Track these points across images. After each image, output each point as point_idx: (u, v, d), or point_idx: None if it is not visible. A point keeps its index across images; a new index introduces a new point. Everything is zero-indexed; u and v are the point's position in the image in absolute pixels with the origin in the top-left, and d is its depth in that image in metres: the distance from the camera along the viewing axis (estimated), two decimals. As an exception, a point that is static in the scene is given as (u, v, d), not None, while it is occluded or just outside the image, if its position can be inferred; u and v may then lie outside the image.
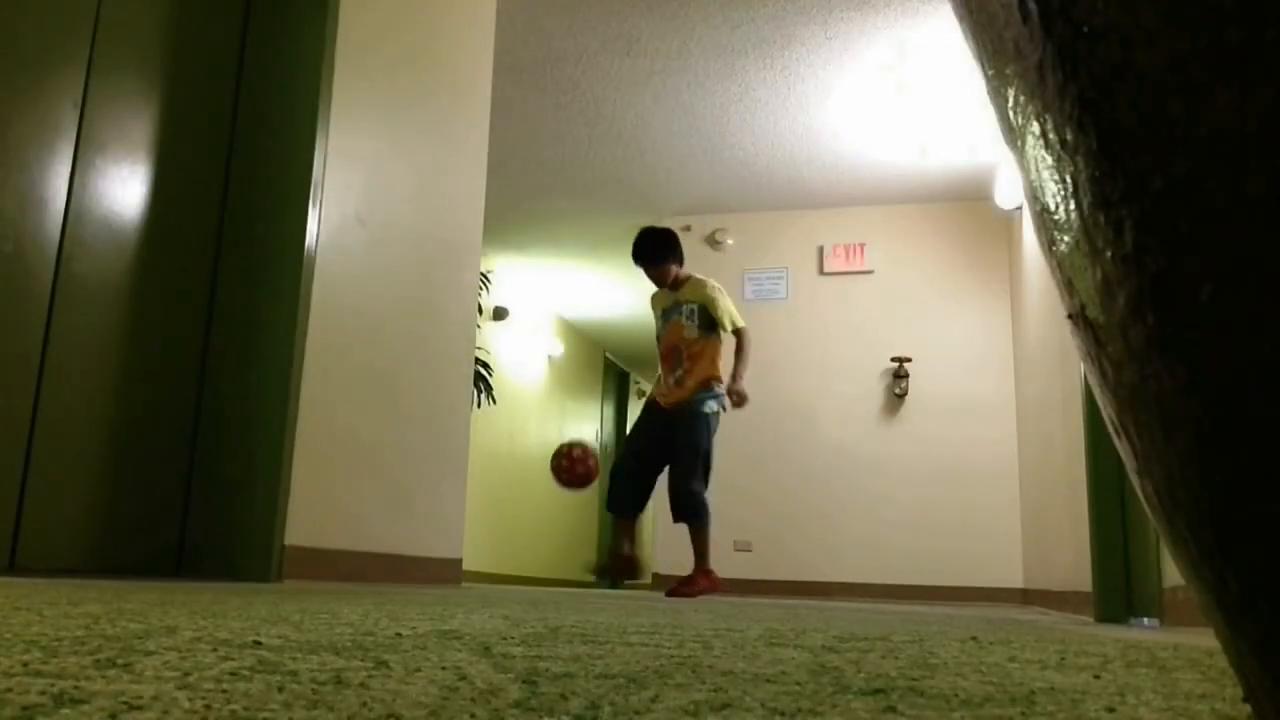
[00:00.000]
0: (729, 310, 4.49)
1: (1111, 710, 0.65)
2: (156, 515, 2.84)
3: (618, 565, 4.45)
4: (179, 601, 1.42)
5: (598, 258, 8.58)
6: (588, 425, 11.12)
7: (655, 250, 4.48)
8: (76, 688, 0.53)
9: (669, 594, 4.25)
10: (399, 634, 1.01)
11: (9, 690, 0.51)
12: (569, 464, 4.60)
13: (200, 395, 2.99)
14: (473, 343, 4.26)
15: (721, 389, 4.43)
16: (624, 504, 4.41)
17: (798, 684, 0.72)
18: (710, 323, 4.45)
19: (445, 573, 3.84)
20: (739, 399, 4.45)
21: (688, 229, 7.40)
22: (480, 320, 5.25)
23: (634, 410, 12.31)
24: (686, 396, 4.38)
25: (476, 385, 7.08)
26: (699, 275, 4.57)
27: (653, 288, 4.66)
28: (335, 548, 3.14)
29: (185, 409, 2.95)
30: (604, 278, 9.07)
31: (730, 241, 7.44)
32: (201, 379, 3.00)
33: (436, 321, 3.92)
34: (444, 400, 3.95)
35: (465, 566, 4.43)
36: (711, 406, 4.39)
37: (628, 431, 4.67)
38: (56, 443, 2.53)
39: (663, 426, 4.39)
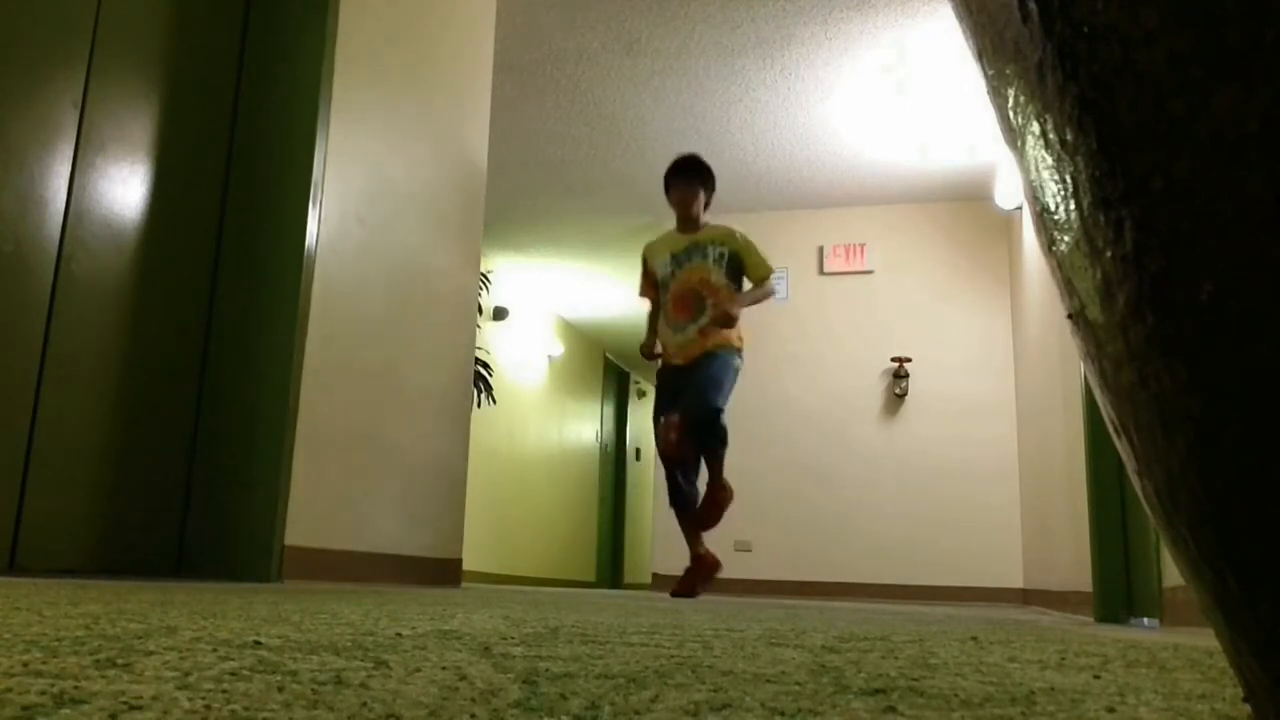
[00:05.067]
0: (763, 257, 4.09)
1: (1111, 710, 0.65)
2: (156, 515, 2.84)
3: (700, 569, 4.00)
4: (179, 601, 1.42)
5: (598, 258, 8.58)
6: (588, 425, 11.11)
7: (696, 168, 4.07)
8: (76, 688, 0.53)
9: (672, 594, 4.06)
10: (399, 634, 1.01)
11: (9, 690, 0.51)
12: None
13: (200, 395, 2.99)
14: (473, 343, 4.26)
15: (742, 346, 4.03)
16: (686, 498, 3.98)
17: (798, 684, 0.72)
18: (734, 273, 4.08)
19: (445, 573, 3.84)
20: (731, 318, 3.96)
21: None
22: (480, 320, 5.25)
23: (635, 411, 12.30)
24: (711, 347, 3.96)
25: (476, 385, 7.07)
26: (719, 222, 4.21)
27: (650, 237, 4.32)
28: (335, 548, 3.14)
29: (185, 409, 2.95)
30: (604, 278, 9.07)
31: (730, 241, 7.44)
32: (201, 379, 3.00)
33: (436, 322, 3.92)
34: (444, 400, 3.95)
35: (465, 566, 4.42)
36: (737, 363, 4.00)
37: (653, 410, 4.17)
38: (56, 443, 2.53)
39: (686, 382, 3.95)
